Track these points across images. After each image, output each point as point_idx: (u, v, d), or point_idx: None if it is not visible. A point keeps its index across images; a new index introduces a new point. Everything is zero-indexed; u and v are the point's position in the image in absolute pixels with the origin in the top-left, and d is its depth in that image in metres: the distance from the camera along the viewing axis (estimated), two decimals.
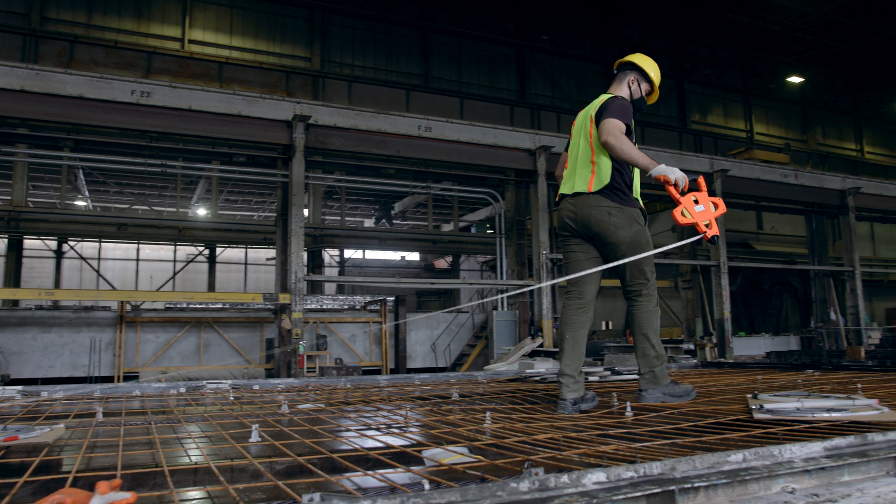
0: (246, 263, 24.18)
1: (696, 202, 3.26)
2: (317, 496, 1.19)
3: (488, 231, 22.45)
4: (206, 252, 19.90)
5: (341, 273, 22.60)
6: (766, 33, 26.11)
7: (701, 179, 3.45)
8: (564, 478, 1.38)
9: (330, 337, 14.06)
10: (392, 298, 15.11)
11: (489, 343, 13.22)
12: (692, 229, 3.25)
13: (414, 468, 1.93)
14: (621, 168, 3.53)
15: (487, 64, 23.47)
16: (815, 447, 1.79)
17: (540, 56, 24.40)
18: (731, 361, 8.30)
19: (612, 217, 3.49)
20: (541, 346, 10.72)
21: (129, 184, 22.22)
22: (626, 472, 1.46)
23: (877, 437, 1.91)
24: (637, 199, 3.63)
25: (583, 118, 3.76)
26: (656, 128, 25.90)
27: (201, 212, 22.15)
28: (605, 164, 3.52)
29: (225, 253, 21.68)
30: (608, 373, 5.38)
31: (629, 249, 3.49)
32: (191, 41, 18.70)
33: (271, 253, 19.69)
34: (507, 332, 12.58)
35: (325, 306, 15.33)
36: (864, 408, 2.79)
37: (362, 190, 22.15)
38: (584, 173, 3.58)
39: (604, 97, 3.68)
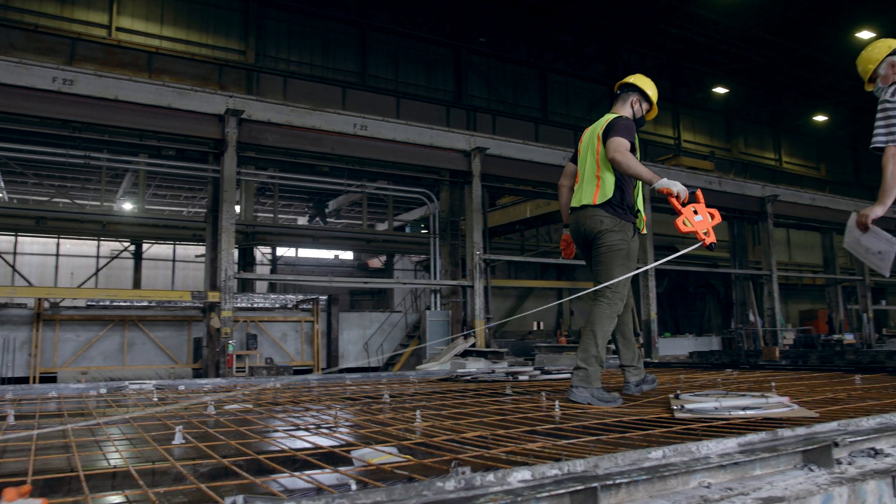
0: (174, 260, 23.49)
1: (696, 213, 3.55)
2: (240, 498, 1.16)
3: (423, 231, 22.48)
4: (132, 248, 19.21)
5: (273, 271, 22.20)
6: (693, 45, 27.06)
7: (699, 192, 3.67)
8: (490, 476, 1.39)
9: (261, 336, 13.80)
10: (325, 297, 14.95)
11: (422, 343, 13.25)
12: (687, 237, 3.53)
13: (342, 469, 1.92)
14: (624, 187, 3.87)
15: (425, 64, 23.51)
16: (730, 443, 1.86)
17: (477, 58, 24.59)
18: (656, 361, 8.56)
19: (603, 224, 3.84)
20: (473, 345, 10.80)
21: (50, 175, 21.26)
22: (551, 470, 1.48)
23: (786, 432, 2.00)
24: (635, 217, 3.95)
25: (590, 135, 4.08)
26: None
27: (127, 206, 21.39)
28: (609, 180, 3.85)
29: (152, 249, 20.99)
30: (538, 372, 5.47)
31: (607, 252, 3.83)
32: (118, 29, 18.03)
33: (201, 250, 19.18)
34: (440, 331, 12.62)
35: (256, 305, 15.04)
36: (776, 405, 2.92)
37: (296, 187, 21.82)
38: (590, 188, 3.92)
39: (609, 116, 4.01)
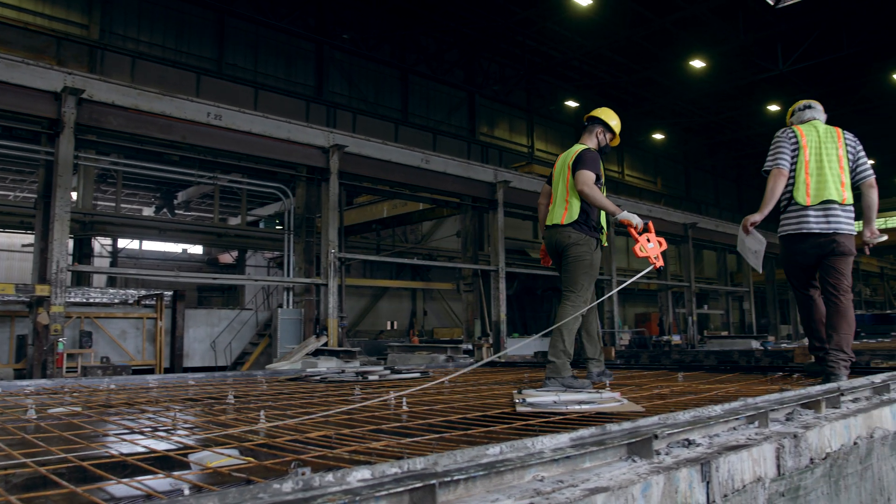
0: None
1: (648, 241, 4.33)
2: None
3: (277, 227, 21.89)
4: None
5: (114, 264, 20.69)
6: (549, 59, 28.35)
7: (650, 223, 4.47)
8: (329, 476, 1.38)
9: (97, 334, 12.83)
10: (170, 293, 14.17)
11: (273, 341, 12.89)
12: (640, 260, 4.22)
13: (177, 473, 1.83)
14: (588, 210, 4.53)
15: (286, 57, 22.93)
16: (563, 438, 1.97)
17: (339, 54, 24.33)
18: (503, 361, 8.87)
19: (571, 239, 4.50)
20: (325, 344, 10.67)
21: None
22: (391, 469, 1.50)
23: (613, 427, 2.15)
24: (599, 233, 4.60)
25: (562, 163, 4.71)
26: (448, 136, 26.99)
27: None
28: (576, 205, 4.52)
29: None
30: (388, 371, 5.49)
31: (574, 262, 4.49)
32: None
33: (29, 238, 17.51)
34: (291, 330, 12.34)
35: (92, 300, 13.97)
36: (609, 400, 3.13)
37: (142, 176, 20.45)
38: (560, 210, 4.60)
39: (579, 147, 4.65)
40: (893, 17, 24.45)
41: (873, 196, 4.54)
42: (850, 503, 2.88)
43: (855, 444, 2.97)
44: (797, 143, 4.52)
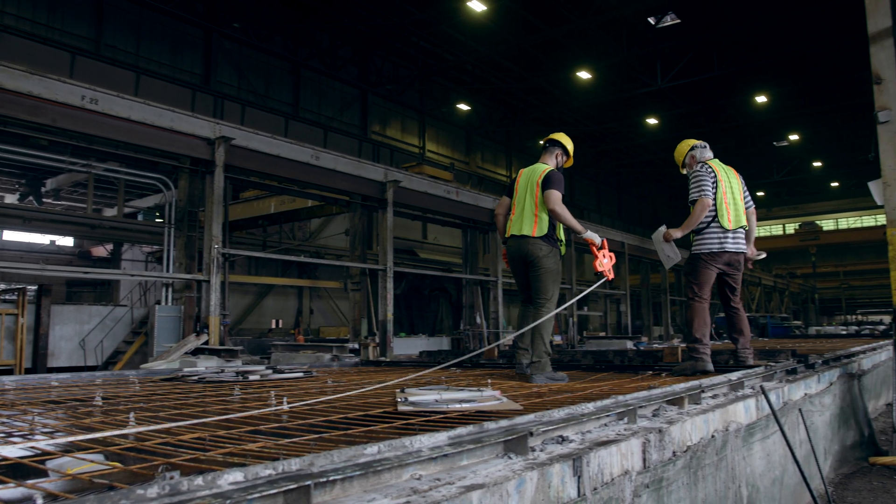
0: None
1: (604, 256, 5.10)
2: None
3: (157, 220, 20.86)
4: None
5: None
6: (443, 61, 28.62)
7: (605, 241, 5.25)
8: (199, 480, 1.33)
9: None
10: (34, 287, 13.16)
11: (149, 340, 12.25)
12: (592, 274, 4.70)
13: (31, 482, 1.70)
14: (554, 224, 5.18)
15: (171, 42, 21.88)
16: (441, 437, 1.99)
17: (229, 43, 23.50)
18: (388, 360, 8.88)
19: (541, 251, 5.13)
20: (206, 343, 10.26)
21: None
22: (265, 470, 1.46)
23: (491, 425, 2.20)
24: (560, 242, 5.25)
25: (526, 179, 5.36)
26: (339, 133, 26.69)
27: None
28: (545, 219, 5.16)
29: None
30: (270, 371, 5.36)
31: (544, 272, 5.12)
32: None
33: None
34: (170, 327, 11.77)
35: None
36: (489, 398, 3.20)
37: (5, 160, 18.89)
38: (529, 222, 5.20)
39: (544, 167, 5.32)
40: (756, 46, 26.48)
41: (755, 221, 5.69)
42: (707, 491, 3.08)
43: (712, 437, 3.19)
44: (715, 177, 5.42)
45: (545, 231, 5.14)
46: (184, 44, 22.22)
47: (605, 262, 5.09)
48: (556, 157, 5.55)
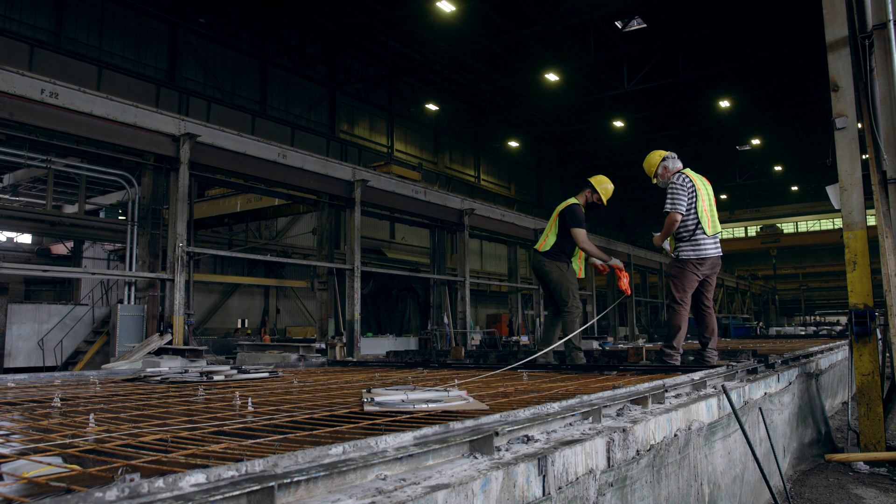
0: None
1: (624, 276, 6.25)
2: None
3: (120, 217, 20.46)
4: None
5: None
6: (411, 60, 28.59)
7: (621, 262, 6.31)
8: (160, 482, 1.31)
9: None
10: None
11: (111, 339, 12.01)
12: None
13: None
14: (562, 243, 6.22)
15: (135, 36, 21.48)
16: (407, 437, 1.99)
17: (195, 39, 23.17)
18: (355, 360, 8.83)
19: (545, 265, 6.24)
20: (170, 343, 10.10)
21: None
22: (228, 472, 1.45)
23: (457, 425, 2.20)
24: (568, 258, 6.25)
25: (557, 208, 6.37)
26: (307, 132, 26.49)
27: None
28: (551, 240, 6.26)
29: None
30: (235, 371, 5.30)
31: (557, 283, 6.18)
32: None
33: None
34: (133, 327, 11.55)
35: None
36: (455, 398, 3.20)
37: None
38: (542, 240, 6.34)
39: (570, 201, 6.33)
40: (721, 51, 26.97)
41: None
42: (670, 489, 3.13)
43: (675, 435, 3.24)
44: (694, 188, 5.69)
45: (549, 248, 6.20)
46: (148, 38, 21.85)
47: (625, 281, 6.21)
48: (587, 194, 6.42)
